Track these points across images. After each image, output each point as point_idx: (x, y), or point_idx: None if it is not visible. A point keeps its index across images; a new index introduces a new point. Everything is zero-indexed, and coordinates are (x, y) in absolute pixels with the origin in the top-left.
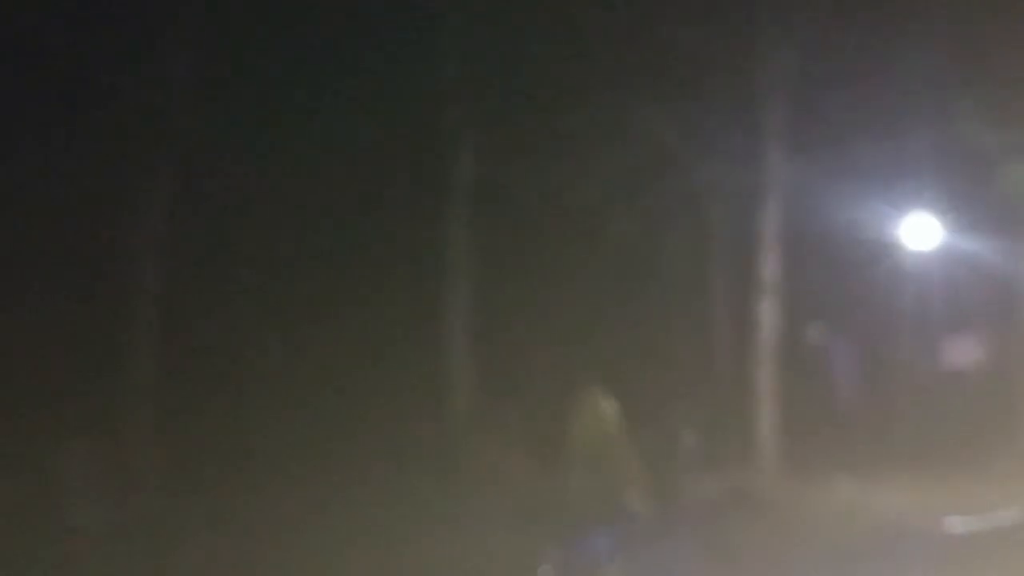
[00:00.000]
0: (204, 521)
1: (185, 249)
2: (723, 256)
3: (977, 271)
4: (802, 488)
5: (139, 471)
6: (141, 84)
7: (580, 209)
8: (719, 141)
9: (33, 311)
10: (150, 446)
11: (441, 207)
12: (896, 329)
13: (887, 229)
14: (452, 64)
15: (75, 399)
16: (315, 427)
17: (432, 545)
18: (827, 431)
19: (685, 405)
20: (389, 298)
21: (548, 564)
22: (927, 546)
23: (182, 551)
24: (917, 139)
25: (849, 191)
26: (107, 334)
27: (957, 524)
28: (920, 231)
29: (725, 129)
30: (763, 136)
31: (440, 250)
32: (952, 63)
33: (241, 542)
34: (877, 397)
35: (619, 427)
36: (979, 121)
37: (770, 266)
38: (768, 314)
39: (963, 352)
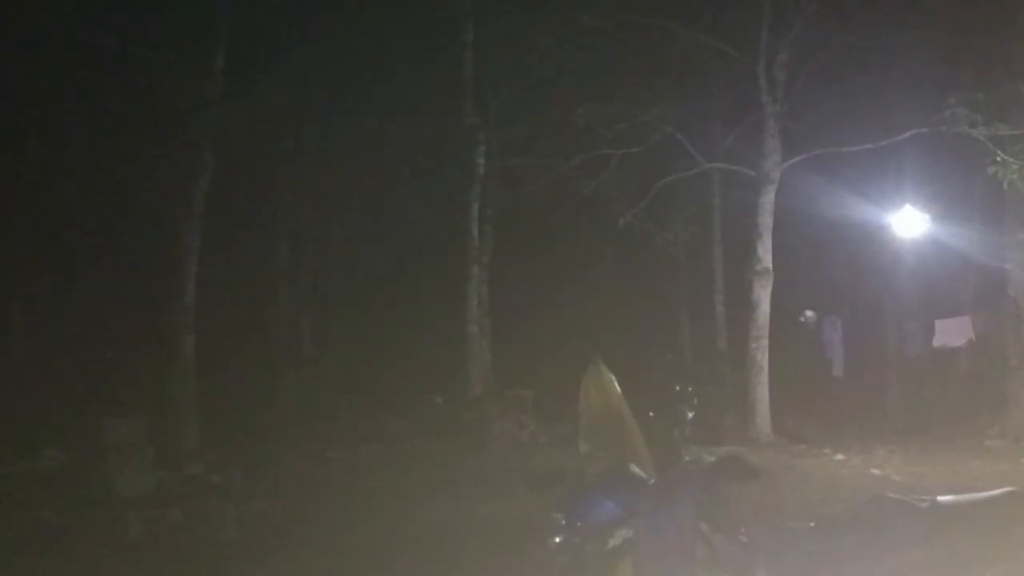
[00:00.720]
0: (242, 486)
1: (224, 234)
2: (723, 241)
3: (965, 258)
4: (794, 459)
5: (182, 442)
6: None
7: (588, 197)
8: (719, 133)
9: (84, 297)
10: (193, 419)
11: (462, 195)
12: (886, 312)
13: (878, 217)
14: (468, 65)
15: (122, 377)
16: (344, 401)
17: (449, 507)
18: (819, 406)
19: (687, 378)
20: (412, 277)
21: (560, 532)
22: (914, 517)
23: (222, 517)
24: (907, 130)
25: (841, 181)
26: (152, 317)
27: (945, 498)
28: (910, 220)
29: (727, 122)
30: (761, 127)
31: (461, 236)
32: (942, 56)
33: (275, 508)
34: (868, 376)
35: (622, 398)
36: (968, 113)
37: (767, 250)
38: (764, 296)
39: (952, 334)
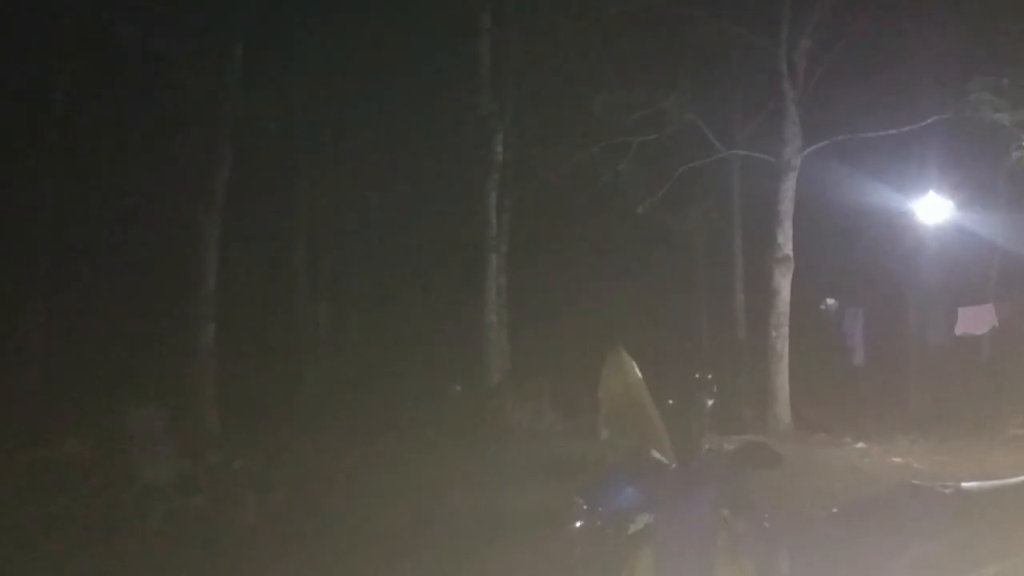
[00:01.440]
0: (262, 475)
1: (243, 224)
2: (742, 229)
3: (988, 245)
4: (815, 449)
5: (203, 431)
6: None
7: (607, 185)
8: (739, 120)
9: (106, 288)
10: (213, 408)
11: (479, 184)
12: (908, 300)
13: (900, 204)
14: (486, 53)
15: (144, 366)
16: (363, 390)
17: (467, 496)
18: (839, 395)
19: (707, 367)
20: (430, 267)
21: (581, 517)
22: (939, 504)
23: (243, 505)
24: (931, 116)
25: (863, 168)
26: (173, 308)
27: (970, 485)
28: (933, 207)
29: (747, 109)
30: (781, 114)
31: (479, 225)
32: (966, 41)
33: (296, 497)
34: (889, 365)
35: (644, 386)
36: (993, 98)
37: (787, 238)
38: (784, 284)
39: (975, 322)
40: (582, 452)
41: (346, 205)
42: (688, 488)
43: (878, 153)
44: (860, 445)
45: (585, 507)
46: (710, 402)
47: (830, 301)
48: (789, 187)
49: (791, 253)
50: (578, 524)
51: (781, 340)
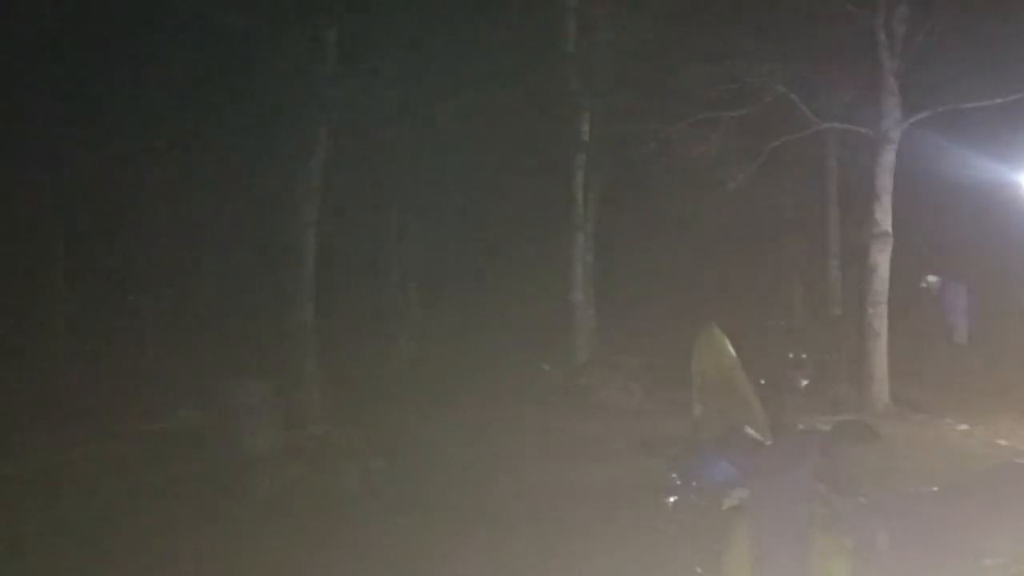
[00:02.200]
0: (361, 446)
1: (336, 205)
2: (838, 204)
3: None
4: (915, 429)
5: (304, 404)
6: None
7: (696, 161)
8: (834, 91)
9: (214, 271)
10: (314, 383)
11: (567, 162)
12: (1014, 276)
13: (1007, 176)
14: (572, 30)
15: (249, 343)
16: (456, 369)
17: (559, 470)
18: (941, 375)
19: (801, 346)
20: (517, 245)
21: (675, 492)
22: None
23: (345, 475)
24: None
25: (964, 139)
26: (275, 288)
27: None
28: None
29: (842, 80)
30: (879, 84)
31: (566, 203)
32: None
33: (393, 468)
34: (994, 343)
35: (736, 361)
36: None
37: (886, 213)
38: (883, 260)
39: None
40: (672, 429)
41: (434, 185)
42: (784, 464)
43: (981, 122)
44: (963, 427)
45: (679, 482)
46: (804, 382)
47: (931, 278)
48: (887, 160)
49: (890, 229)
50: (672, 499)
51: (879, 318)
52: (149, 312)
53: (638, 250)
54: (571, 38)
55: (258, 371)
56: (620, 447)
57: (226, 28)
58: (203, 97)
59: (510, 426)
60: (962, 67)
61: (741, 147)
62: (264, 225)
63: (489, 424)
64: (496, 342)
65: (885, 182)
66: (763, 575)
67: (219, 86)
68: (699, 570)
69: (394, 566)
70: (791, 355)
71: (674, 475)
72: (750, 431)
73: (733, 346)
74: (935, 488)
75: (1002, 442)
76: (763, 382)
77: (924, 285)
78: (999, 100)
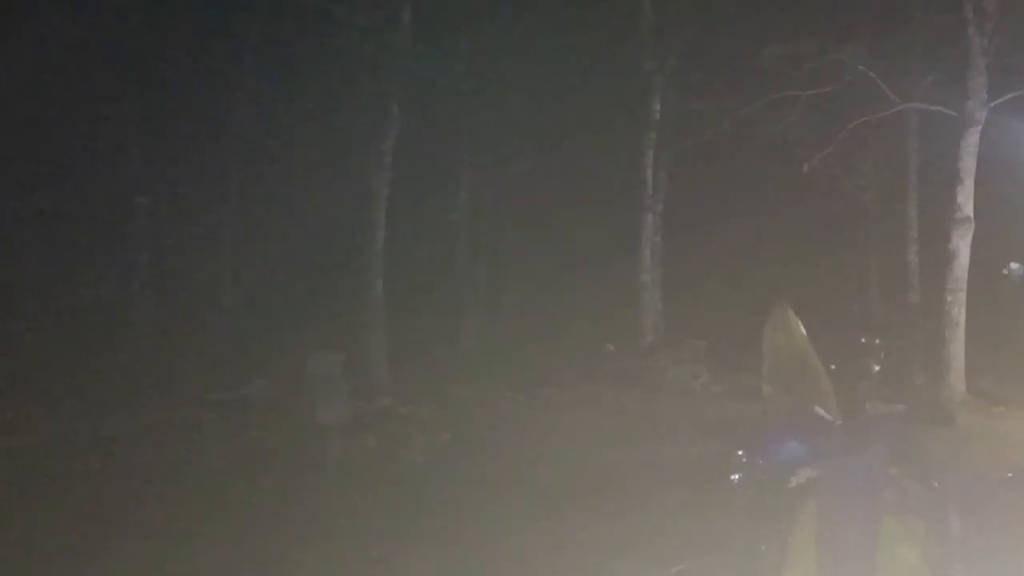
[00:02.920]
0: (427, 419)
1: (406, 183)
2: (919, 187)
3: None
4: (992, 421)
5: (373, 377)
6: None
7: (771, 141)
8: (917, 70)
9: (287, 247)
10: (382, 357)
11: (636, 141)
12: None
13: None
14: (647, 7)
15: (325, 320)
16: (523, 348)
17: (626, 449)
18: (1020, 367)
19: (875, 331)
20: (585, 226)
21: (741, 469)
22: None
23: (412, 445)
24: None
25: None
26: (346, 263)
27: None
28: None
29: (922, 58)
30: (965, 63)
31: (635, 184)
32: None
33: (459, 440)
34: None
35: (808, 341)
36: None
37: (968, 197)
38: (963, 246)
39: None
40: (740, 411)
41: (504, 162)
42: (854, 445)
43: None
44: None
45: (745, 460)
46: (876, 368)
47: (1014, 265)
48: (972, 143)
49: (971, 214)
50: (736, 476)
51: (958, 306)
52: (227, 285)
53: (707, 231)
54: (646, 17)
55: (330, 345)
56: (687, 428)
57: (304, 8)
58: (280, 79)
59: (575, 404)
60: None
61: (818, 127)
62: (337, 202)
63: (553, 401)
64: (562, 324)
65: (968, 165)
66: (829, 556)
67: (297, 69)
68: (763, 547)
69: (461, 537)
70: (863, 340)
71: (740, 452)
72: (820, 411)
73: (805, 327)
74: (1009, 474)
75: None
76: (834, 367)
77: (1006, 273)
78: None
